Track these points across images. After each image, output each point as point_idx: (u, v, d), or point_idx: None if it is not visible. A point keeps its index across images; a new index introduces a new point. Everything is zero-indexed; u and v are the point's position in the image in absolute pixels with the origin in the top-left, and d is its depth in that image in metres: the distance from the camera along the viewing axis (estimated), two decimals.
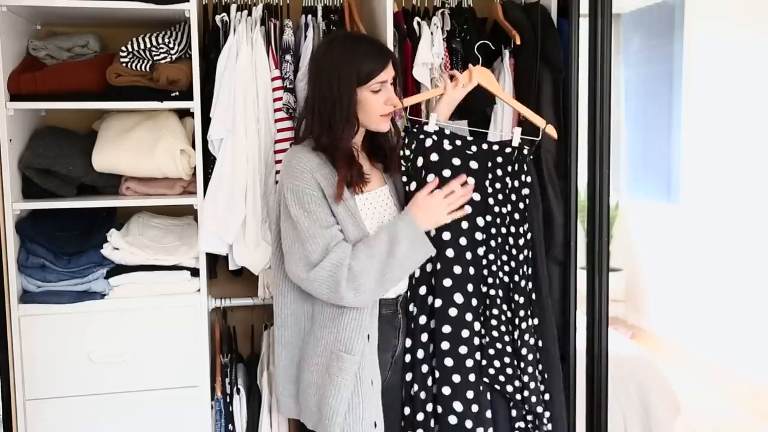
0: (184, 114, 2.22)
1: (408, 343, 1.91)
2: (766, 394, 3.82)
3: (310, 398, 1.80)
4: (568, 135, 2.16)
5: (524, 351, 1.94)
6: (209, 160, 2.13)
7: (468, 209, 1.82)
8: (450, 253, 1.87)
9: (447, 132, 1.95)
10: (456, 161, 1.91)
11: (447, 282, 1.87)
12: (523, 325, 1.95)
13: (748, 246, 4.09)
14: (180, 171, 2.13)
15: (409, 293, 1.92)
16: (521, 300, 1.96)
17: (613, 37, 2.04)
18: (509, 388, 1.93)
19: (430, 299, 1.91)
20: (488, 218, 1.92)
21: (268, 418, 2.16)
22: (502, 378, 1.92)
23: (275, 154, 2.13)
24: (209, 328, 2.20)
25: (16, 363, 2.04)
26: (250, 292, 2.34)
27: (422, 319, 1.89)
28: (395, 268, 1.71)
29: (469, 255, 1.89)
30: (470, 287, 1.89)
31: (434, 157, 1.90)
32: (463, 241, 1.88)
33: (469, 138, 1.98)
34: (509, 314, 1.95)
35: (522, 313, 1.95)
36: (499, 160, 1.96)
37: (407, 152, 1.93)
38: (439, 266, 1.88)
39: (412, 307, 1.90)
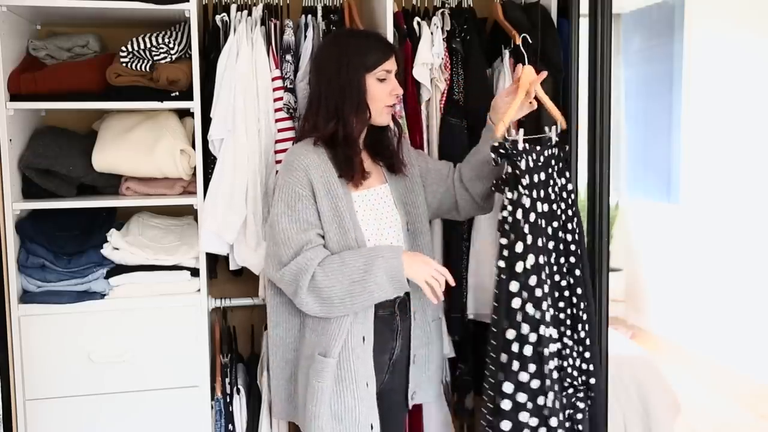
0: (184, 114, 2.22)
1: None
2: (767, 395, 3.83)
3: (299, 399, 1.83)
4: (568, 135, 2.16)
5: (583, 335, 1.92)
6: (209, 160, 2.13)
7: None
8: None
9: (526, 146, 1.82)
10: (536, 177, 1.81)
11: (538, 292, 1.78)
12: (584, 316, 1.92)
13: (749, 246, 4.09)
14: (180, 171, 2.13)
15: (500, 307, 1.77)
16: (580, 291, 1.92)
17: (613, 37, 2.04)
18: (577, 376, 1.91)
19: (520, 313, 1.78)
20: (554, 224, 1.87)
21: (268, 418, 2.16)
22: (575, 373, 1.90)
23: (276, 154, 2.13)
24: (209, 328, 2.20)
25: (16, 363, 2.04)
26: (250, 292, 2.34)
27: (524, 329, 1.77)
28: (363, 294, 1.69)
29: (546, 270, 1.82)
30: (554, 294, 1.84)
31: (525, 180, 1.78)
32: (541, 259, 1.79)
33: (535, 147, 1.86)
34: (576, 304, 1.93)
35: (583, 304, 1.92)
36: (552, 162, 1.91)
37: (507, 172, 1.79)
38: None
39: (506, 327, 1.76)
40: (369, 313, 1.79)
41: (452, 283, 1.78)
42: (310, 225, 1.73)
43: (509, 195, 1.78)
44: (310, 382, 1.76)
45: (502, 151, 1.79)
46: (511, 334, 1.76)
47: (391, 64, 1.78)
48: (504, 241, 1.78)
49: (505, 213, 1.79)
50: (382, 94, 1.77)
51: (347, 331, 1.75)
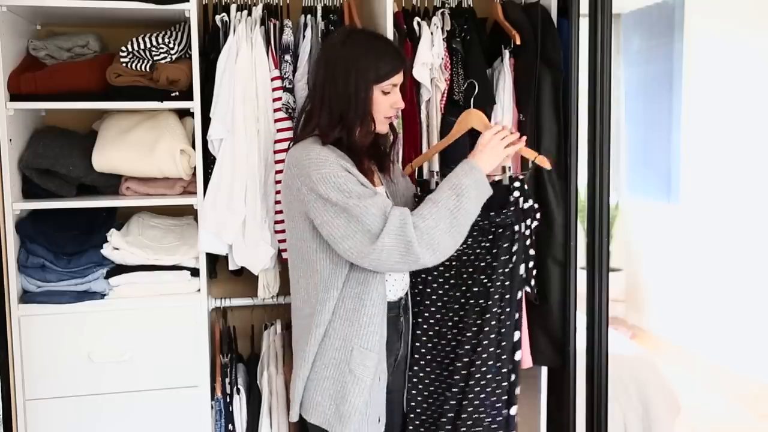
0: (184, 114, 2.22)
1: None
2: (767, 395, 3.82)
3: (322, 393, 1.75)
4: (568, 135, 2.16)
5: None
6: (209, 160, 2.13)
7: (523, 139, 1.85)
8: None
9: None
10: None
11: None
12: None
13: (748, 246, 4.09)
14: (180, 171, 2.13)
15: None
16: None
17: (613, 37, 2.04)
18: None
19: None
20: None
21: (268, 418, 2.16)
22: None
23: (275, 153, 2.13)
24: (209, 328, 2.20)
25: (16, 363, 2.04)
26: (250, 292, 2.34)
27: None
28: (465, 215, 1.68)
29: None
30: None
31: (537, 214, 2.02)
32: None
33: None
34: None
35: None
36: None
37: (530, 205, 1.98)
38: None
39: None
40: (385, 310, 1.77)
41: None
42: (373, 191, 1.67)
43: (523, 227, 1.93)
44: (354, 376, 1.71)
45: (518, 184, 1.93)
46: None
47: (399, 78, 1.75)
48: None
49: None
50: (383, 107, 1.74)
51: (380, 324, 1.74)
